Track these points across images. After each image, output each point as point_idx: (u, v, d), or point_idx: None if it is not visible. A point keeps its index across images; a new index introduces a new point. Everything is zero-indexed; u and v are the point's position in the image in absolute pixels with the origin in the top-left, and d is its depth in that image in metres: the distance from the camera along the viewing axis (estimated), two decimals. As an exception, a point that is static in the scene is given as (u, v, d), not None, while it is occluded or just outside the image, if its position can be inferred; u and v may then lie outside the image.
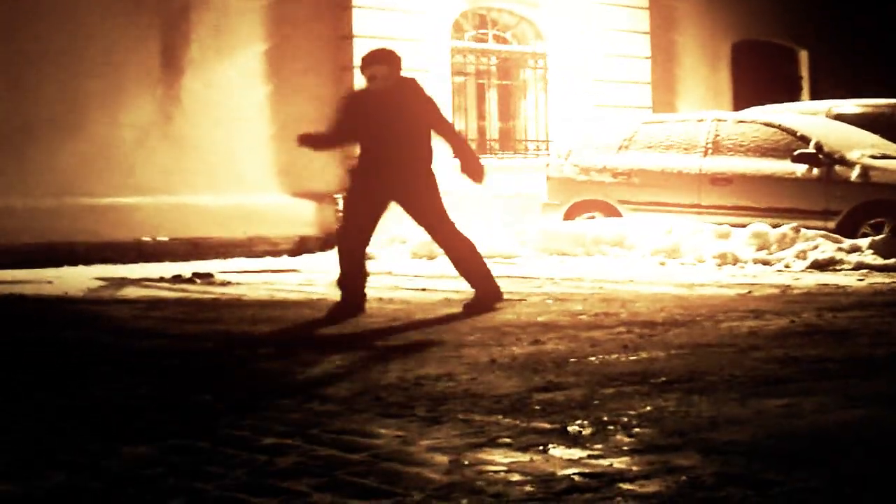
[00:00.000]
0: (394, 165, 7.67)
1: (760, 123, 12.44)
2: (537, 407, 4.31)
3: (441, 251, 8.21)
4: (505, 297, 7.94)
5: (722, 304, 7.87)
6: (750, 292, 8.66)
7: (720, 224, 11.89)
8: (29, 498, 3.24)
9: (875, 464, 3.43)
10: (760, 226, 11.57)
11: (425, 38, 15.02)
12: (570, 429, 3.91)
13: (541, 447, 3.66)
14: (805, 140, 11.91)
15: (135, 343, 6.40)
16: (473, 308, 7.61)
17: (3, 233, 12.08)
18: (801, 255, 10.95)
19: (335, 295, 7.80)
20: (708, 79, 18.48)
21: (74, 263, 12.22)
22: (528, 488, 3.19)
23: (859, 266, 10.56)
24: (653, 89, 17.22)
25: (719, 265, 11.13)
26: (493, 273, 7.98)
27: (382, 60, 7.75)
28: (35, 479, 3.40)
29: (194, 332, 6.83)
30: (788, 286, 9.14)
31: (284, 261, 13.02)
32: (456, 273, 8.04)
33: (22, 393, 4.88)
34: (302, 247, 14.04)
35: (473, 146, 15.90)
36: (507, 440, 3.76)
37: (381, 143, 7.70)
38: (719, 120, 12.74)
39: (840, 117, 13.45)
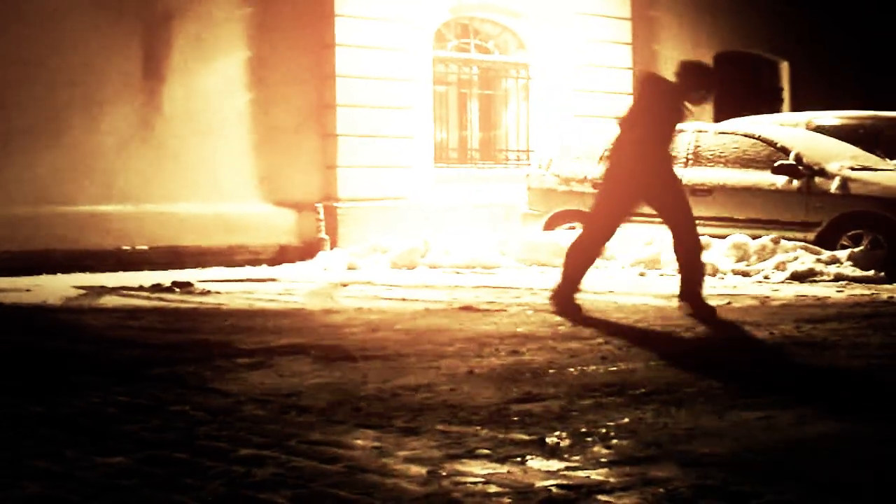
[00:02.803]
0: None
1: (741, 135, 12.46)
2: (515, 418, 4.31)
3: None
4: (484, 308, 7.90)
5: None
6: (729, 303, 8.68)
7: (700, 235, 11.88)
8: (3, 509, 3.23)
9: (851, 476, 3.44)
10: (740, 237, 11.60)
11: (407, 48, 15.03)
12: (548, 440, 3.91)
13: (519, 459, 3.66)
14: (785, 151, 11.95)
15: (112, 352, 6.37)
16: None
17: (-19, 241, 12.04)
18: (781, 267, 10.98)
19: (314, 305, 7.75)
20: (689, 90, 18.48)
21: (53, 272, 12.16)
22: (505, 500, 3.19)
23: (838, 278, 10.61)
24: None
25: (699, 276, 11.13)
26: (554, 286, 8.12)
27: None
28: (10, 488, 3.38)
29: (172, 341, 6.81)
30: (767, 297, 9.17)
31: (264, 270, 12.99)
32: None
33: (-2, 402, 4.86)
34: (282, 256, 14.01)
35: (454, 156, 16.01)
36: (485, 451, 3.76)
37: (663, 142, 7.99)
38: (700, 131, 12.76)
39: (820, 129, 13.49)
